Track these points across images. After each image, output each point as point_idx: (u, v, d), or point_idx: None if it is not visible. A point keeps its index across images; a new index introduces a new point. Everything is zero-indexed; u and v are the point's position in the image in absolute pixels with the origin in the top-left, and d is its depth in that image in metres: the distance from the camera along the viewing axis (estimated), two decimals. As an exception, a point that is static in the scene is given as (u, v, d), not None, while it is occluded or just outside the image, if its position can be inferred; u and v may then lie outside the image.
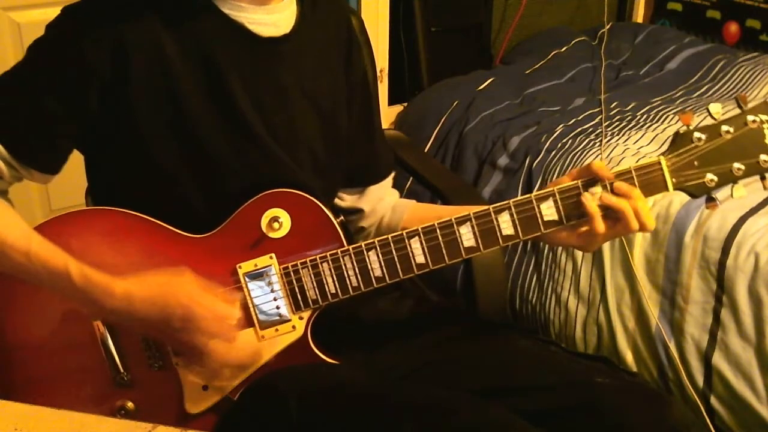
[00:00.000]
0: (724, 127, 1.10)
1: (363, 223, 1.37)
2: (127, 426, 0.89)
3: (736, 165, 1.10)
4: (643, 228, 1.10)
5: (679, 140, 1.11)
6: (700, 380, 1.85)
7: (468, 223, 1.11)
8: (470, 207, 1.14)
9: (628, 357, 1.98)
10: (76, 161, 1.19)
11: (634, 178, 1.10)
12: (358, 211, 1.36)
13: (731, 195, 1.11)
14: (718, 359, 1.81)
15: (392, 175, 1.40)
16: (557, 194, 1.10)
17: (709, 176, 1.11)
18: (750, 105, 1.10)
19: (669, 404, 1.12)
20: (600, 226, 1.09)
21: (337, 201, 1.35)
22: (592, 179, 1.10)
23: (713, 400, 1.83)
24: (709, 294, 1.82)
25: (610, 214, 1.10)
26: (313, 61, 1.20)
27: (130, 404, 1.13)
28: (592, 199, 1.10)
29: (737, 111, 1.10)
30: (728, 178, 1.11)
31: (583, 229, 1.12)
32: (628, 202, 1.09)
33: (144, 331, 1.10)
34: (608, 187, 1.10)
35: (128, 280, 1.05)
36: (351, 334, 1.25)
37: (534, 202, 1.11)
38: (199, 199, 1.14)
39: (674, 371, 1.89)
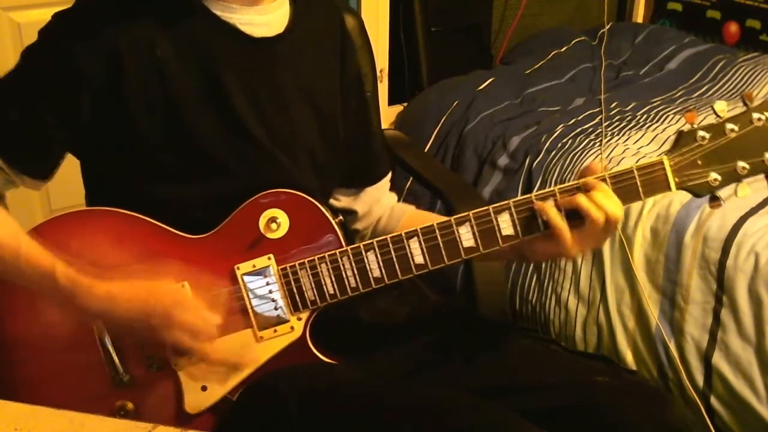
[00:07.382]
0: (729, 125, 1.07)
1: (357, 226, 1.36)
2: (127, 426, 0.89)
3: (741, 164, 1.08)
4: (609, 218, 1.05)
5: (682, 139, 1.08)
6: (700, 380, 1.85)
7: (467, 223, 1.11)
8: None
9: (628, 357, 1.98)
10: (76, 161, 1.18)
11: (636, 177, 1.08)
12: (351, 213, 1.35)
13: (735, 194, 1.09)
14: (718, 359, 1.81)
15: (389, 176, 1.39)
16: (557, 194, 1.10)
17: (713, 175, 1.09)
18: (756, 102, 1.08)
19: (669, 403, 1.12)
20: (562, 229, 1.06)
21: (332, 201, 1.33)
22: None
23: (713, 400, 1.83)
24: (709, 294, 1.82)
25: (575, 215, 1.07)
26: (309, 60, 1.20)
27: (129, 404, 1.12)
28: (546, 205, 1.07)
29: (742, 109, 1.08)
30: (732, 177, 1.09)
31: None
32: (585, 196, 1.05)
33: (128, 333, 1.09)
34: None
35: (111, 282, 1.04)
36: (350, 335, 1.25)
37: (534, 201, 1.10)
38: (197, 201, 1.14)
39: (674, 371, 1.89)
